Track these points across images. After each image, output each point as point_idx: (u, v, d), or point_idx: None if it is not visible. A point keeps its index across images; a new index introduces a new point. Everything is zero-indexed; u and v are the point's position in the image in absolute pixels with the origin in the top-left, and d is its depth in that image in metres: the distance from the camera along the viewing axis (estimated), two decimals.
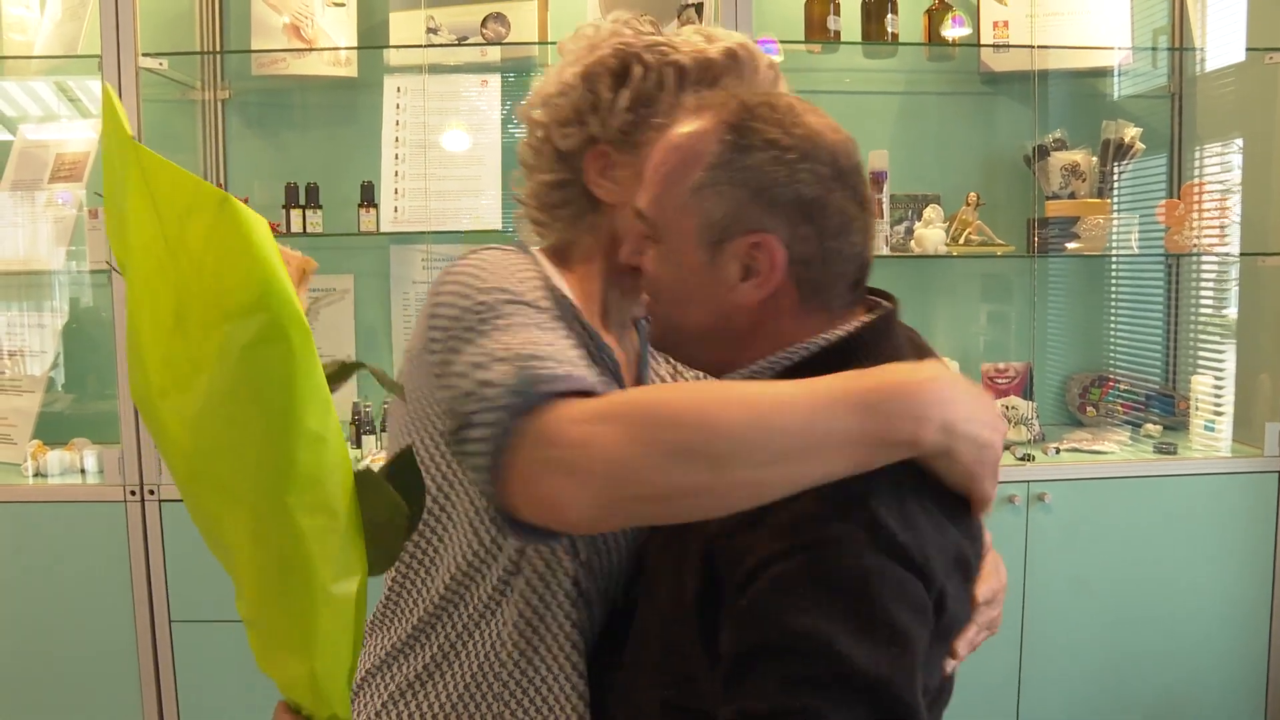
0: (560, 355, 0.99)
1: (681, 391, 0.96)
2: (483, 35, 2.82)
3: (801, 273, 1.01)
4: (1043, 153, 2.86)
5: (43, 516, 2.60)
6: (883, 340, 1.04)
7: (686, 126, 1.06)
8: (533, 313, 1.05)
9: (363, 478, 0.85)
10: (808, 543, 0.88)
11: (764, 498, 0.89)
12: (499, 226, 2.90)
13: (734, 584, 0.91)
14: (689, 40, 1.19)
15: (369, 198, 2.83)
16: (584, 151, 1.20)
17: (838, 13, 2.74)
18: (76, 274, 2.91)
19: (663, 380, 1.35)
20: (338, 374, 0.87)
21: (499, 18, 2.85)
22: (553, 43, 2.91)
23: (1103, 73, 3.03)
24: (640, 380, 1.31)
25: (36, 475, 2.69)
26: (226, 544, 0.87)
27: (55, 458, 2.70)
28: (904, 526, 0.90)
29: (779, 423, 0.88)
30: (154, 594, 2.59)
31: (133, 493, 2.57)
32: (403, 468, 0.90)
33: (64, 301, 3.02)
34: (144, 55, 2.56)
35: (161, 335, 0.80)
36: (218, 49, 2.98)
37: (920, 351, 1.09)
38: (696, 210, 1.02)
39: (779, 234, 1.00)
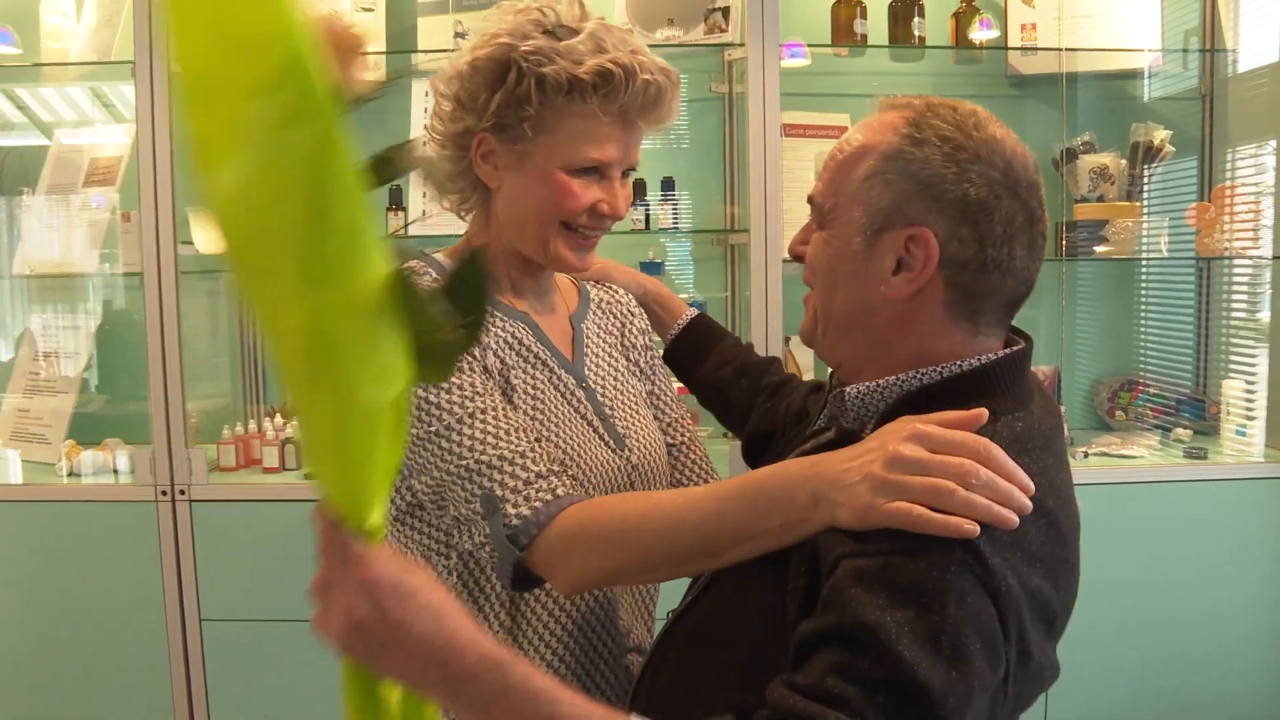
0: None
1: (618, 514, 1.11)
2: None
3: (954, 275, 1.00)
4: (1071, 156, 2.85)
5: (76, 515, 2.64)
6: (1016, 380, 1.03)
7: (868, 119, 1.06)
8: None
9: (405, 285, 0.79)
10: (896, 548, 0.88)
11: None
12: None
13: (823, 572, 0.92)
14: (573, 51, 1.21)
15: (397, 201, 2.85)
16: (471, 135, 1.27)
17: (865, 16, 2.74)
18: (110, 277, 2.95)
19: (602, 331, 1.46)
20: (379, 167, 0.81)
21: None
22: None
23: (1132, 75, 3.01)
24: (576, 333, 1.41)
25: (70, 475, 2.73)
26: (271, 333, 0.80)
27: (89, 458, 2.73)
28: (995, 551, 0.88)
29: (687, 531, 1.05)
30: (184, 592, 2.62)
31: (163, 493, 2.60)
32: (467, 274, 0.85)
33: (97, 304, 3.06)
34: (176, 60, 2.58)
35: (198, 102, 0.71)
36: None
37: (1045, 397, 1.08)
38: (864, 198, 1.02)
39: (938, 230, 0.99)
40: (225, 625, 2.63)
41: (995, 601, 0.88)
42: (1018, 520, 0.89)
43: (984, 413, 0.94)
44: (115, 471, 2.73)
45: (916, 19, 2.74)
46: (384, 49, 2.92)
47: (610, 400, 1.39)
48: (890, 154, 1.01)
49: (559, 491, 1.15)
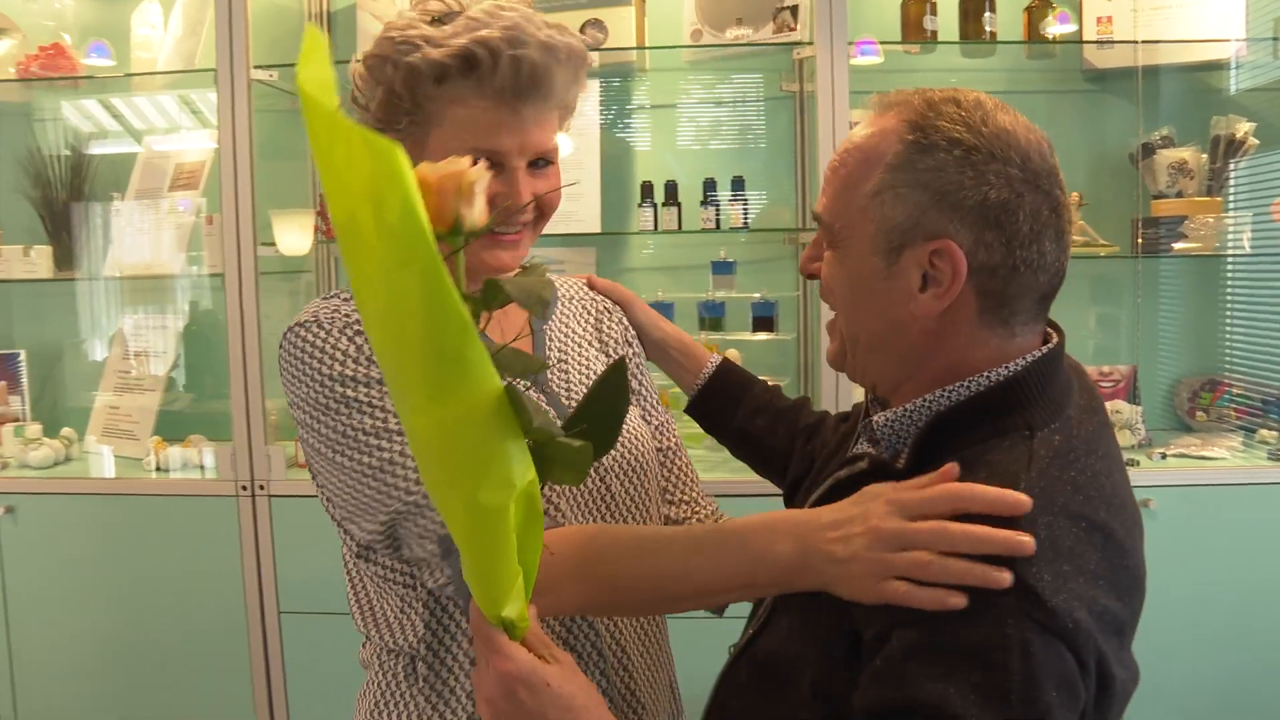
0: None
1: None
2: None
3: (985, 283, 0.95)
4: (1148, 150, 2.79)
5: (162, 509, 2.74)
6: (1049, 384, 0.98)
7: (867, 127, 1.00)
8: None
9: (515, 400, 0.87)
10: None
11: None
12: (598, 229, 2.95)
13: (870, 639, 0.89)
14: (444, 35, 1.14)
15: None
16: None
17: (934, 12, 2.71)
18: (196, 278, 3.04)
19: (572, 328, 1.38)
20: (486, 294, 0.90)
21: (597, 23, 2.89)
22: (651, 48, 2.95)
23: (1214, 66, 2.93)
24: (536, 335, 1.34)
25: (157, 470, 2.83)
26: (410, 439, 0.94)
27: (175, 453, 2.83)
28: (1055, 588, 0.85)
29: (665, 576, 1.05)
30: (264, 585, 2.70)
31: (244, 488, 2.68)
32: (611, 380, 0.92)
33: (184, 304, 3.16)
34: (255, 68, 2.67)
35: (348, 246, 0.85)
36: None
37: (1087, 391, 1.05)
38: (875, 214, 0.97)
39: (962, 241, 0.94)
40: (303, 618, 2.70)
41: (1066, 640, 0.84)
42: (1007, 578, 0.84)
43: (953, 468, 0.91)
44: (200, 467, 2.82)
45: (988, 14, 2.70)
46: None
47: (575, 399, 1.31)
48: (898, 164, 0.95)
49: None
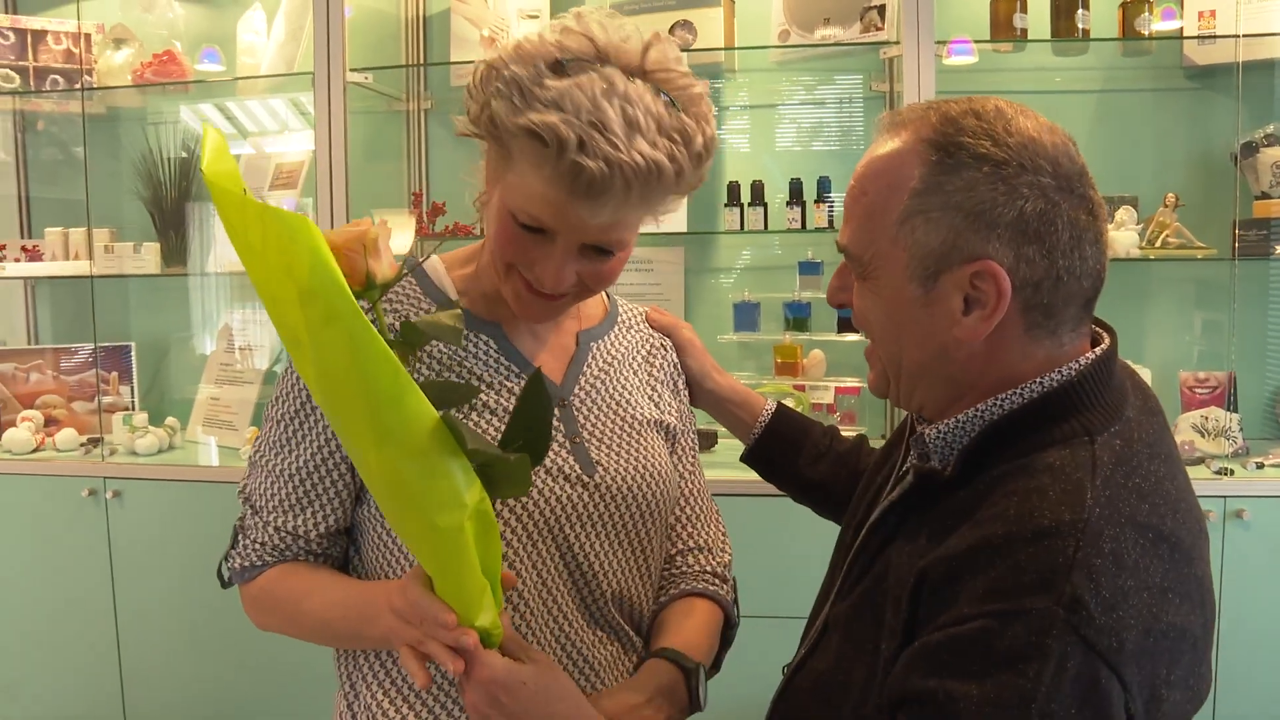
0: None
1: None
2: None
3: (1030, 297, 0.92)
4: (1250, 150, 2.70)
5: None
6: (1104, 387, 0.96)
7: (883, 148, 0.97)
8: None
9: (447, 420, 0.94)
10: (996, 610, 0.84)
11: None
12: (684, 229, 2.97)
13: (924, 631, 0.89)
14: (533, 96, 1.08)
15: None
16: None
17: (1024, 10, 2.67)
18: None
19: (621, 352, 1.36)
20: (407, 337, 1.00)
21: (686, 25, 2.91)
22: (739, 49, 2.96)
23: None
24: (580, 350, 1.32)
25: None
26: (364, 478, 1.05)
27: None
28: (1108, 606, 0.82)
29: (330, 621, 1.21)
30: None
31: None
32: (529, 392, 1.00)
33: None
34: (351, 70, 2.76)
35: (271, 310, 0.96)
36: (420, 62, 3.17)
37: (1142, 393, 1.03)
38: (906, 242, 0.94)
39: (1002, 258, 0.91)
40: None
41: (1108, 661, 0.82)
42: (459, 660, 1.02)
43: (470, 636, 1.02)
44: None
45: (1081, 11, 2.65)
46: None
47: (596, 421, 1.29)
48: (924, 188, 0.92)
49: (268, 556, 1.24)
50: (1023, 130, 0.92)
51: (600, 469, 1.25)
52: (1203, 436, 2.68)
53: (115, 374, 3.25)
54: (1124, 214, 2.70)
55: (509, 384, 1.24)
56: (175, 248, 3.23)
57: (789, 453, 1.45)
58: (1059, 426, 0.94)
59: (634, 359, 1.38)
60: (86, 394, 3.25)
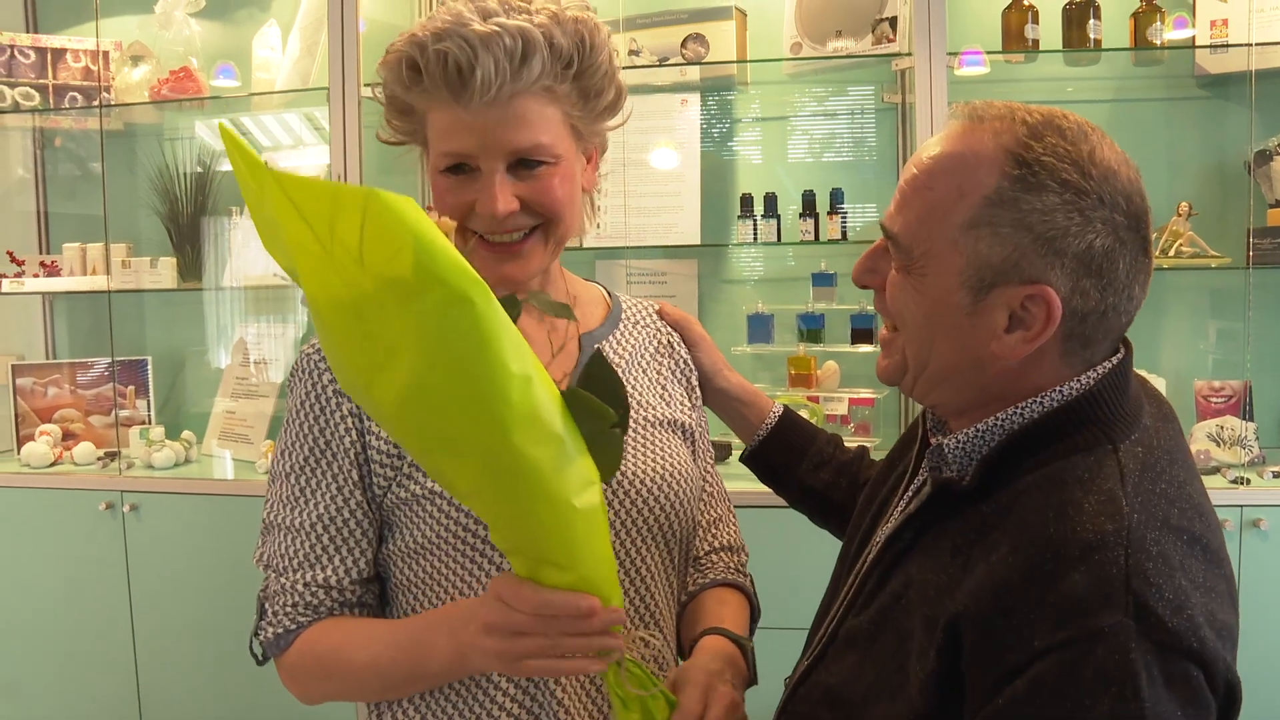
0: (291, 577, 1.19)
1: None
2: (683, 55, 2.90)
3: (1075, 327, 0.92)
4: (1264, 158, 2.70)
5: None
6: (1123, 397, 0.95)
7: (957, 145, 0.94)
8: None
9: (570, 396, 0.92)
10: (1069, 638, 0.81)
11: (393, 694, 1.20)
12: (698, 241, 2.98)
13: (993, 677, 0.85)
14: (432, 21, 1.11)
15: None
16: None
17: (1036, 20, 2.67)
18: None
19: (628, 351, 1.33)
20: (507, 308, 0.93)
21: (699, 38, 2.92)
22: (751, 61, 2.98)
23: None
24: (578, 370, 1.25)
25: (268, 473, 2.94)
26: (468, 493, 0.97)
27: None
28: (1175, 608, 0.82)
29: (382, 666, 1.14)
30: None
31: None
32: (595, 372, 0.96)
33: (301, 314, 3.29)
34: (366, 85, 2.78)
35: (347, 330, 0.87)
36: None
37: (1156, 400, 1.02)
38: (967, 249, 0.91)
39: (1059, 286, 0.90)
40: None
41: (1194, 659, 0.82)
42: (618, 641, 1.00)
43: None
44: None
45: (1092, 21, 2.65)
46: None
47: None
48: (1000, 200, 0.90)
49: (300, 617, 1.18)
50: (1105, 161, 0.91)
51: (618, 473, 1.23)
52: (1218, 445, 2.67)
53: (132, 388, 3.28)
54: None
55: None
56: (191, 262, 3.25)
57: (792, 457, 1.44)
58: (1081, 435, 0.93)
59: (642, 356, 1.35)
60: (104, 408, 3.27)
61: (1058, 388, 0.94)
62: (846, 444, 1.48)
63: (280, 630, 1.18)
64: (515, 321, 0.89)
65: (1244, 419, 2.70)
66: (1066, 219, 0.89)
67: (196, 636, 2.91)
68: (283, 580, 1.18)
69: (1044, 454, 0.93)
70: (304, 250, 0.84)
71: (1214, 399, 2.77)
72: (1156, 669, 0.80)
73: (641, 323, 1.39)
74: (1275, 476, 2.54)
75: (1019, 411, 0.95)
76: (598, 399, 0.92)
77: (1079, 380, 0.95)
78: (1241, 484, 2.50)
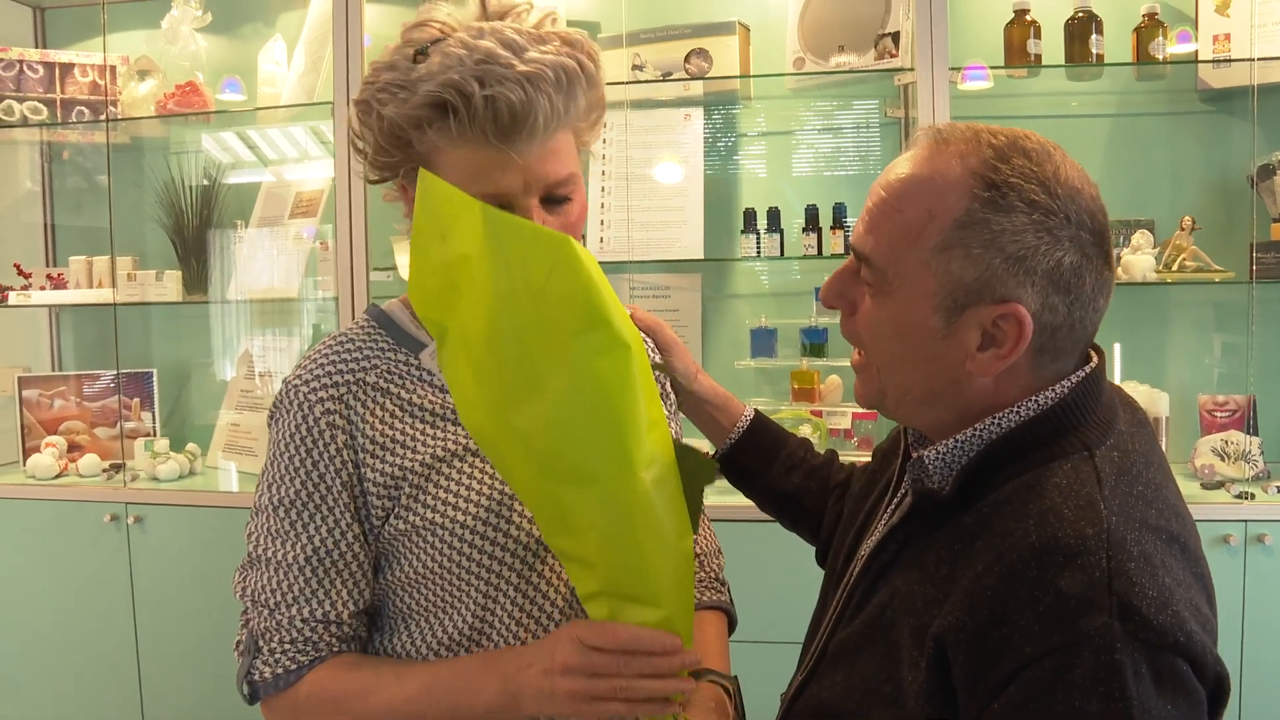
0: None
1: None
2: (686, 70, 2.91)
3: (1045, 342, 0.94)
4: (1267, 172, 2.69)
5: None
6: (1096, 403, 0.98)
7: (923, 167, 0.95)
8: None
9: (679, 447, 1.03)
10: (1058, 644, 0.83)
11: None
12: (701, 255, 2.98)
13: (987, 686, 0.86)
14: (419, 78, 1.06)
15: None
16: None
17: (1039, 36, 2.68)
18: (322, 301, 3.16)
19: None
20: None
21: (701, 53, 2.93)
22: (754, 76, 2.98)
23: None
24: None
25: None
26: (578, 526, 1.01)
27: None
28: (1159, 606, 0.83)
29: (415, 709, 1.12)
30: None
31: None
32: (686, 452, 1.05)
33: (306, 326, 3.30)
34: None
35: (503, 359, 0.98)
36: None
37: (1130, 406, 1.04)
38: (939, 270, 0.93)
39: (1029, 304, 0.92)
40: None
41: (1181, 653, 0.83)
42: (692, 683, 1.06)
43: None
44: None
45: (1094, 36, 2.66)
46: None
47: None
48: (970, 222, 0.92)
49: (302, 659, 1.16)
50: (1069, 180, 0.93)
51: None
52: (1223, 460, 2.67)
53: (137, 400, 3.29)
54: (1140, 238, 2.70)
55: None
56: (196, 275, 3.27)
57: (763, 461, 1.44)
58: (1058, 443, 0.95)
59: None
60: (109, 420, 3.28)
61: (1033, 397, 0.97)
62: (844, 458, 1.48)
63: (280, 670, 1.16)
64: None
65: (1248, 433, 2.69)
66: (1036, 238, 0.91)
67: (200, 648, 2.91)
68: (277, 617, 1.16)
69: (1022, 463, 0.95)
70: (478, 283, 0.97)
71: (1218, 413, 2.77)
72: (1145, 666, 0.81)
73: None
74: None
75: (996, 422, 0.97)
76: (697, 454, 1.03)
77: (1053, 390, 0.97)
78: (1246, 499, 2.50)
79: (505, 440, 1.01)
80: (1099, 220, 0.94)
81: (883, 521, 1.09)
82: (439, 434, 1.18)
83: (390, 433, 1.17)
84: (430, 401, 1.19)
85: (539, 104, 1.05)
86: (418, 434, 1.18)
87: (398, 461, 1.16)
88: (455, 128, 1.05)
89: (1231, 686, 0.91)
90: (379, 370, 1.20)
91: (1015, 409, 0.97)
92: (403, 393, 1.19)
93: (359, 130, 1.15)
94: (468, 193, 1.03)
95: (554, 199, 1.12)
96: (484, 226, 0.94)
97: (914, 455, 1.04)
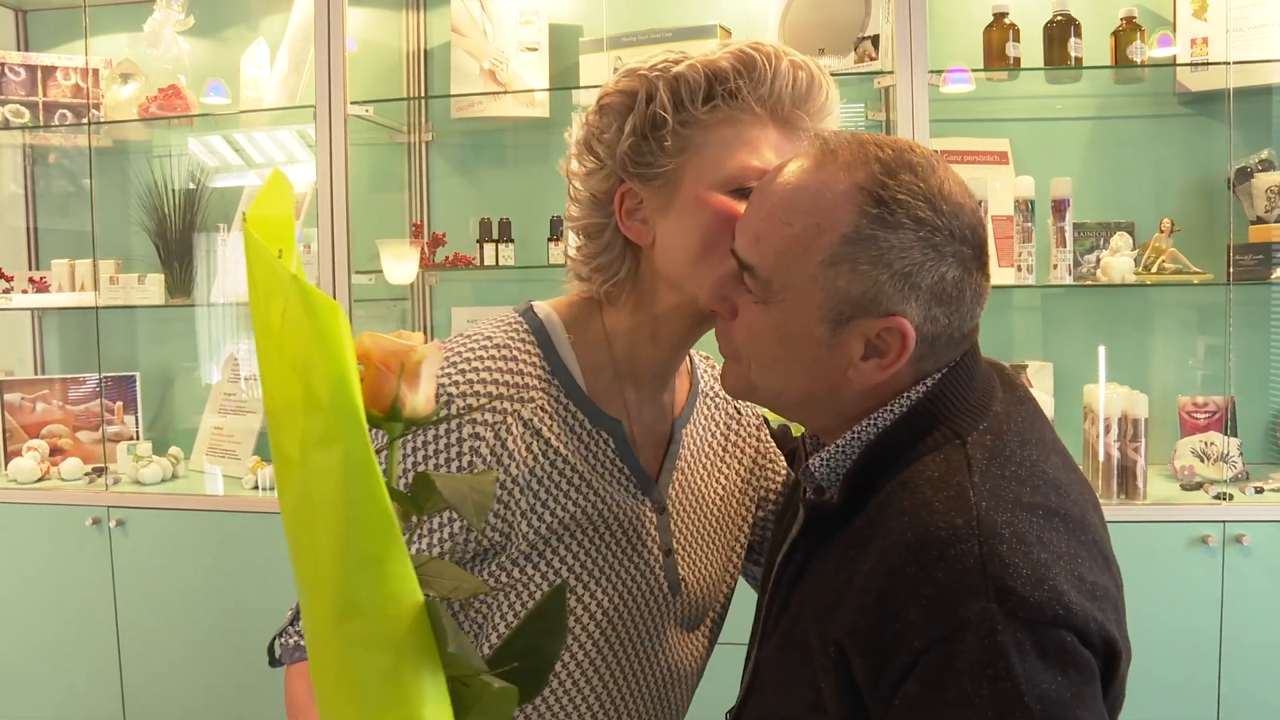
0: None
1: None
2: None
3: (925, 351, 0.97)
4: (1245, 175, 2.71)
5: (262, 524, 2.85)
6: (968, 388, 1.00)
7: (810, 178, 0.96)
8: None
9: (434, 613, 0.68)
10: (943, 633, 0.85)
11: None
12: None
13: (887, 683, 0.87)
14: (703, 52, 1.06)
15: (557, 232, 2.97)
16: (612, 193, 1.10)
17: (1017, 39, 2.69)
18: None
19: (704, 435, 1.26)
20: (416, 496, 0.72)
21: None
22: None
23: None
24: (671, 439, 1.21)
25: (254, 488, 2.95)
26: (313, 665, 0.74)
27: (270, 473, 2.95)
28: (1035, 582, 0.85)
29: None
30: None
31: None
32: (540, 621, 0.73)
33: None
34: (352, 103, 2.80)
35: (273, 414, 0.72)
36: (422, 95, 3.21)
37: (1010, 385, 1.05)
38: (826, 284, 0.94)
39: (913, 317, 0.94)
40: None
41: (1064, 625, 0.85)
42: None
43: None
44: None
45: (1073, 39, 2.67)
46: (547, 86, 3.05)
47: (688, 530, 1.21)
48: (858, 238, 0.93)
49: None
50: (953, 196, 0.95)
51: (685, 586, 1.19)
52: (1202, 461, 2.68)
53: (120, 404, 3.28)
54: (1119, 240, 2.72)
55: (622, 497, 1.13)
56: (180, 279, 3.26)
57: None
58: (930, 435, 0.97)
59: (715, 443, 1.28)
60: (92, 424, 3.27)
61: (905, 394, 0.98)
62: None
63: (291, 644, 1.19)
64: (432, 509, 0.72)
65: (1227, 434, 2.71)
66: (922, 254, 0.93)
67: (183, 651, 2.91)
68: None
69: (901, 460, 0.97)
70: (265, 322, 0.69)
71: (1198, 414, 2.78)
72: (1029, 644, 0.83)
73: (708, 394, 1.30)
74: (1258, 492, 2.55)
75: (873, 422, 0.99)
76: (450, 624, 0.68)
77: (923, 384, 0.99)
78: (1225, 499, 2.51)
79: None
80: (979, 234, 0.97)
81: (790, 534, 1.11)
82: (575, 496, 1.10)
83: (529, 480, 1.07)
84: (575, 455, 1.10)
85: (825, 87, 1.10)
86: (549, 492, 1.08)
87: (521, 521, 1.07)
88: (749, 91, 1.06)
89: (1130, 650, 0.93)
90: (535, 405, 1.08)
91: (889, 407, 0.99)
92: (552, 438, 1.09)
93: (605, 129, 1.10)
94: (734, 166, 1.05)
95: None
96: (252, 267, 0.69)
97: (804, 464, 1.06)
